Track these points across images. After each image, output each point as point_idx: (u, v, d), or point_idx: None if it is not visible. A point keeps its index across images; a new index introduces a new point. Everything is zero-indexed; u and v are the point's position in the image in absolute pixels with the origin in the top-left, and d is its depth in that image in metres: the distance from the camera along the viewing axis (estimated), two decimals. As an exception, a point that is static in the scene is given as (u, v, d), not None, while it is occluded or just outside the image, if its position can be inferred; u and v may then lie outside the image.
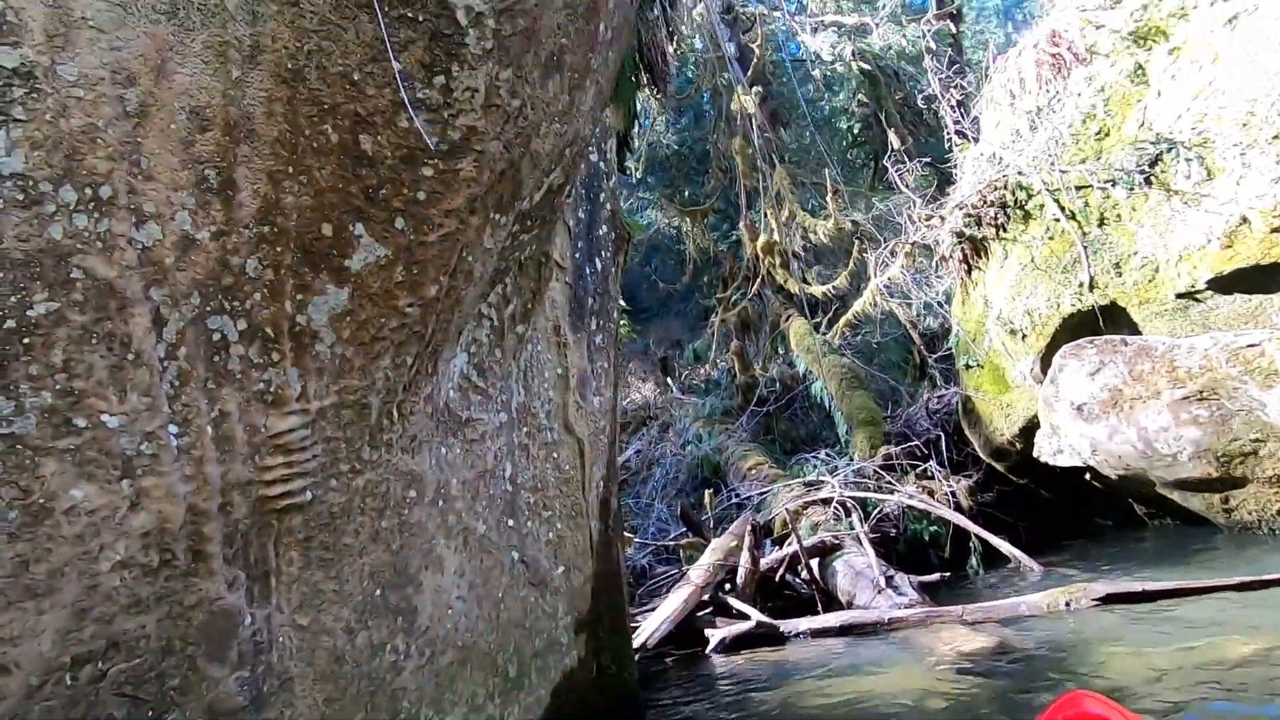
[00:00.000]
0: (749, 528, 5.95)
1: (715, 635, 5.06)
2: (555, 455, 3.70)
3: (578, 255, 3.96)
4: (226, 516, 2.10)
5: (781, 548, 6.36)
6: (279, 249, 2.08)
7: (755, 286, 10.93)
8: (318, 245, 2.15)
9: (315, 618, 2.40)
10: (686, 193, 16.05)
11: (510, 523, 3.36)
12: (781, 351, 10.85)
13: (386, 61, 2.13)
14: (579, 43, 2.54)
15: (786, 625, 5.03)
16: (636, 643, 4.84)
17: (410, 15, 2.14)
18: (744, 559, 5.87)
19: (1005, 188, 6.98)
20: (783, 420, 10.55)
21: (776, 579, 6.14)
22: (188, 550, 2.03)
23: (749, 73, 11.61)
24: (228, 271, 2.01)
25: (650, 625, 5.10)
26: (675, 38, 4.08)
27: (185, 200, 1.92)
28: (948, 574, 5.56)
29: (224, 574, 2.12)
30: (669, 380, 13.36)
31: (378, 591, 2.61)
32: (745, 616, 5.32)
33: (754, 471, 8.21)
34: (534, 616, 3.45)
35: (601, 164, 4.28)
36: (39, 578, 1.77)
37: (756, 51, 11.48)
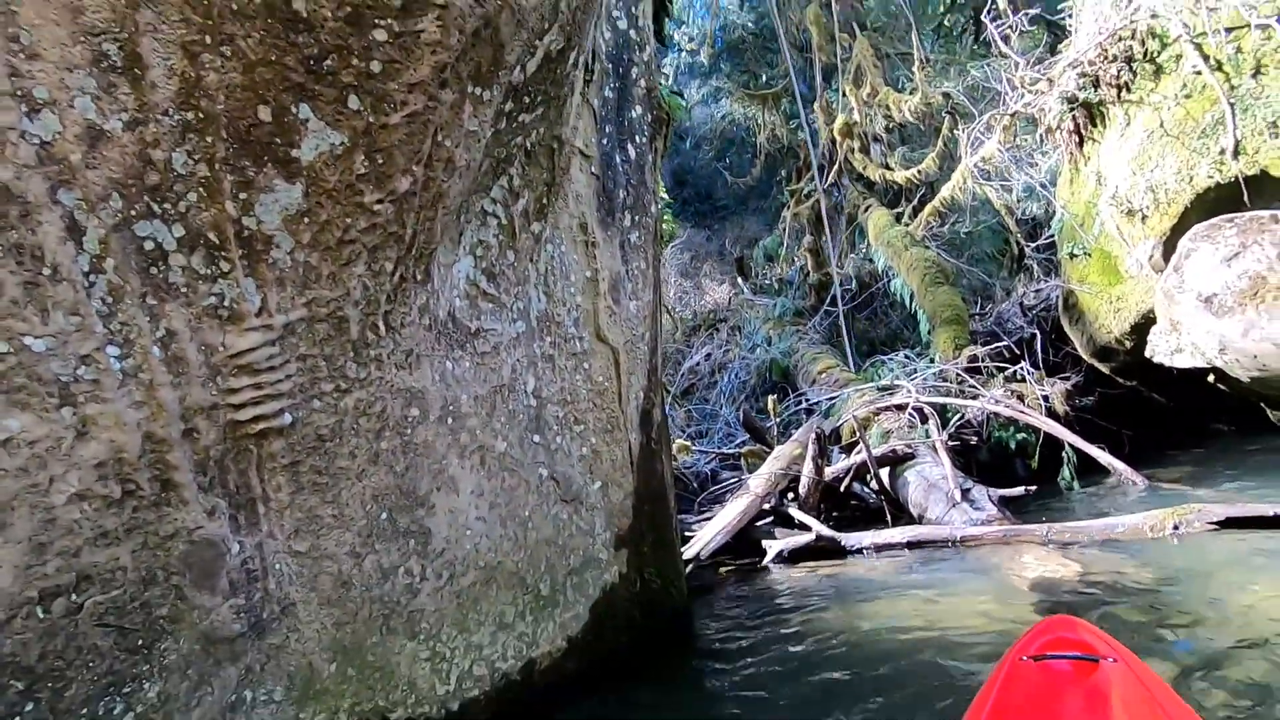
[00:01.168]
0: (814, 435, 5.59)
1: (773, 547, 4.84)
2: (586, 366, 3.41)
3: (605, 141, 3.51)
4: (193, 443, 1.93)
5: (850, 456, 5.99)
6: (209, 139, 1.78)
7: (831, 175, 9.99)
8: (255, 133, 1.84)
9: (314, 543, 2.27)
10: (764, 78, 14.76)
11: (536, 439, 3.13)
12: (860, 246, 10.03)
13: (311, -108, 1.71)
14: None
15: (849, 539, 4.73)
16: (689, 554, 4.69)
17: None
18: (807, 467, 5.55)
19: (1133, 37, 5.83)
20: (859, 321, 9.89)
21: (842, 489, 5.81)
22: (154, 480, 1.88)
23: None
24: (151, 168, 1.73)
25: (705, 536, 4.93)
26: None
27: (84, 83, 1.62)
28: (1034, 487, 5.05)
29: (200, 502, 1.98)
30: (741, 281, 12.76)
31: (383, 515, 2.46)
32: (806, 528, 5.06)
33: (824, 375, 7.74)
34: (567, 534, 3.28)
35: (632, 32, 3.72)
36: (-15, 512, 1.66)
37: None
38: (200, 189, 1.81)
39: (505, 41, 2.14)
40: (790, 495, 5.78)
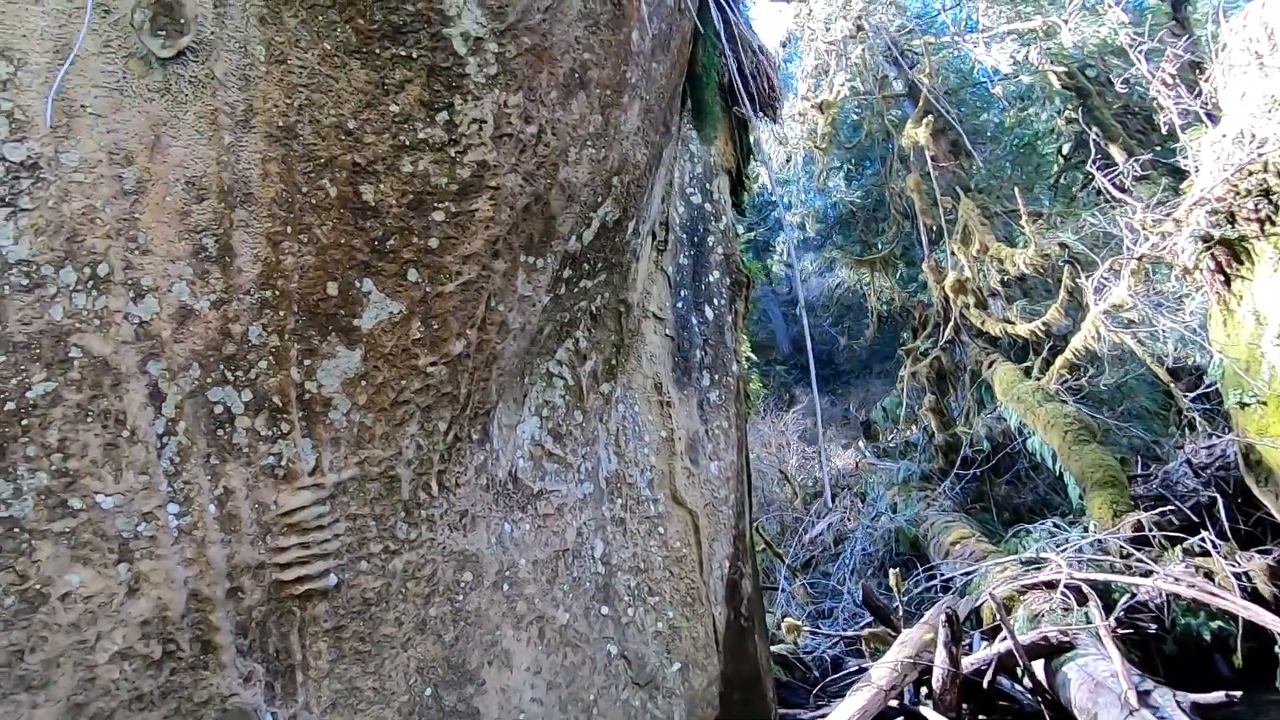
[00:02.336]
0: (944, 616, 4.86)
1: (901, 756, 4.07)
2: (661, 530, 3.24)
3: (680, 304, 3.59)
4: (237, 603, 1.95)
5: (993, 643, 5.11)
6: (281, 313, 1.98)
7: (947, 331, 9.62)
8: (323, 306, 2.02)
9: (350, 719, 2.16)
10: (877, 246, 15.13)
11: (604, 610, 2.93)
12: (988, 404, 9.33)
13: (383, 106, 2.00)
14: (606, 56, 2.26)
15: None
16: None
17: (404, 54, 2.00)
18: (939, 656, 4.77)
19: (1265, 169, 5.42)
20: (999, 485, 8.93)
21: (985, 684, 4.90)
22: (194, 640, 1.89)
23: (919, 105, 10.70)
24: (229, 340, 1.93)
25: (818, 737, 4.25)
26: (765, 53, 3.68)
27: (182, 271, 1.88)
28: (1238, 693, 4.00)
29: (238, 667, 1.96)
30: (863, 445, 12.12)
31: (428, 690, 2.31)
32: (943, 733, 4.25)
33: (958, 547, 6.90)
34: (640, 724, 2.94)
35: (707, 205, 3.92)
36: (33, 668, 1.71)
37: (925, 81, 10.57)
38: (270, 357, 1.98)
39: (556, 214, 2.30)
40: (925, 690, 4.96)
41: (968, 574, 6.24)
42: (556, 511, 2.79)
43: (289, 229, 1.97)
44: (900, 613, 5.80)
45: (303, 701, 2.07)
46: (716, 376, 3.74)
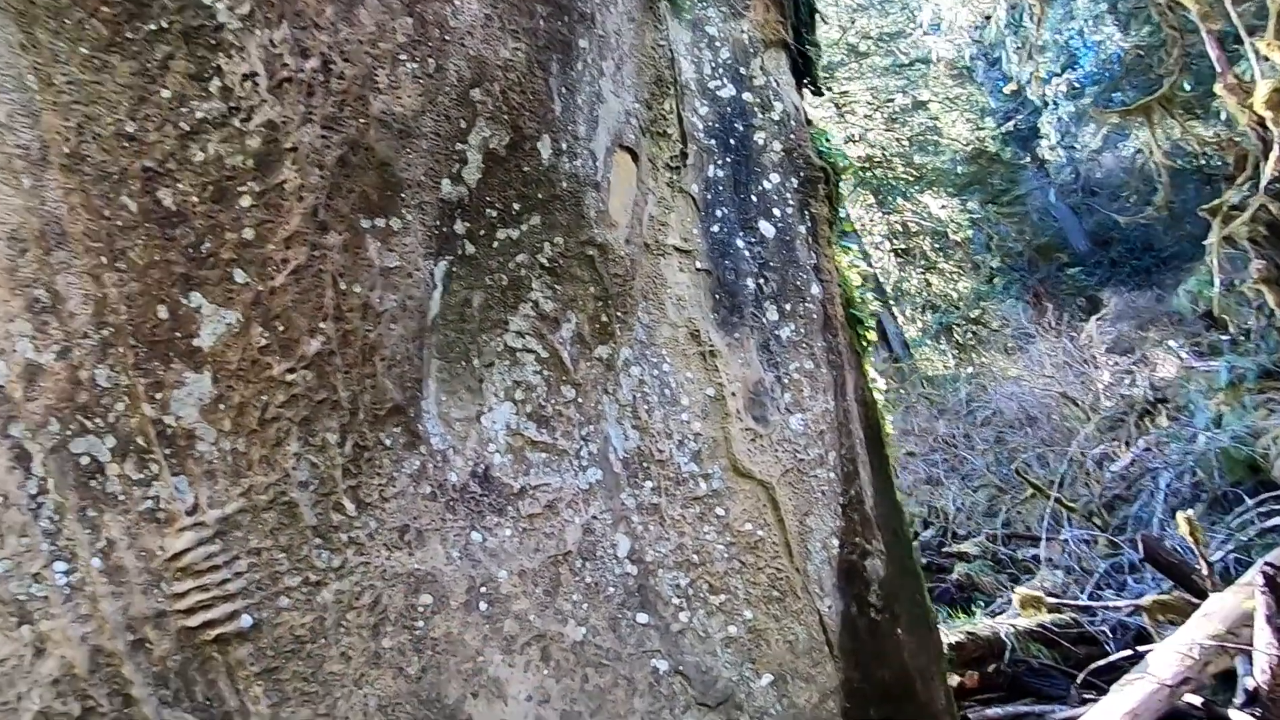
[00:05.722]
0: (1262, 573, 3.30)
1: (1187, 787, 2.80)
2: (719, 512, 2.57)
3: (717, 229, 2.85)
4: (147, 654, 1.87)
5: (1367, 612, 3.33)
6: (121, 349, 1.85)
7: (1271, 167, 6.76)
8: (158, 332, 1.85)
9: (307, 766, 1.97)
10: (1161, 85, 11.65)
11: (642, 619, 2.39)
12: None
13: (155, 95, 1.76)
14: (388, -60, 1.75)
15: None
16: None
17: (156, 27, 1.74)
18: (1260, 635, 3.24)
19: None
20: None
21: None
22: (112, 695, 1.85)
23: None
24: (80, 388, 1.85)
25: (1056, 754, 3.14)
26: None
27: (22, 328, 1.84)
28: None
29: (164, 718, 1.88)
30: (1176, 344, 9.28)
31: (397, 731, 2.05)
32: (1267, 753, 2.85)
33: (1315, 466, 4.74)
34: (714, 756, 2.35)
35: (746, 95, 3.07)
36: (-34, 733, 1.79)
37: None
38: (125, 397, 1.86)
39: (391, 160, 1.85)
40: (1250, 690, 3.43)
41: (1328, 506, 4.24)
42: (548, 509, 2.33)
43: (104, 259, 1.83)
44: (1210, 571, 4.12)
45: (247, 751, 1.94)
46: (788, 306, 2.92)
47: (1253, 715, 3.11)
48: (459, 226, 2.05)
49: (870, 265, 19.86)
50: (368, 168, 1.85)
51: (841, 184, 3.34)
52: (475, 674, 2.14)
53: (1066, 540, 5.80)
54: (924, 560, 8.12)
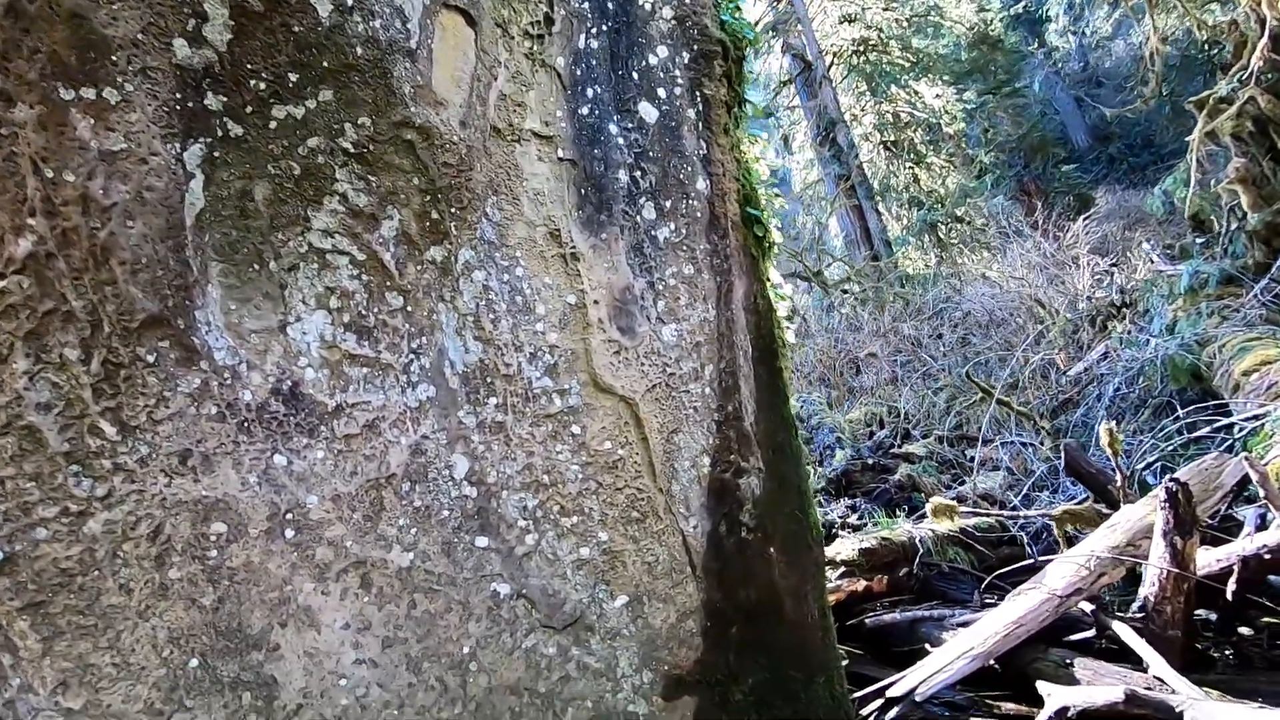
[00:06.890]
0: (1166, 489, 3.19)
1: (1055, 696, 2.78)
2: (574, 430, 2.37)
3: (587, 110, 2.47)
4: (-114, 591, 1.70)
5: (1268, 531, 3.25)
6: None
7: (1257, 58, 6.16)
8: None
9: (91, 698, 1.85)
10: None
11: (481, 543, 2.23)
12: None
13: None
14: None
15: (1200, 710, 2.41)
16: (898, 690, 3.00)
17: None
18: (1155, 549, 3.18)
19: None
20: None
21: (1230, 595, 3.14)
22: None
23: None
24: None
25: (935, 660, 3.12)
26: None
27: None
28: None
29: (-83, 656, 1.73)
30: (1148, 246, 8.96)
31: (193, 661, 1.91)
32: (1140, 664, 2.84)
33: (1253, 377, 4.57)
34: (557, 676, 2.27)
35: (629, -49, 2.61)
36: None
37: None
38: None
39: (80, 10, 1.47)
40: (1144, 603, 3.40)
41: (1256, 419, 4.12)
42: (367, 429, 2.10)
43: None
44: (1124, 483, 4.04)
45: (19, 684, 1.80)
46: (668, 204, 2.60)
47: (1133, 624, 3.09)
48: (211, 101, 1.69)
49: (858, 158, 19.08)
50: (53, 20, 1.47)
51: (746, 60, 2.93)
52: (282, 603, 1.99)
53: (1012, 443, 5.73)
54: (870, 461, 8.15)
